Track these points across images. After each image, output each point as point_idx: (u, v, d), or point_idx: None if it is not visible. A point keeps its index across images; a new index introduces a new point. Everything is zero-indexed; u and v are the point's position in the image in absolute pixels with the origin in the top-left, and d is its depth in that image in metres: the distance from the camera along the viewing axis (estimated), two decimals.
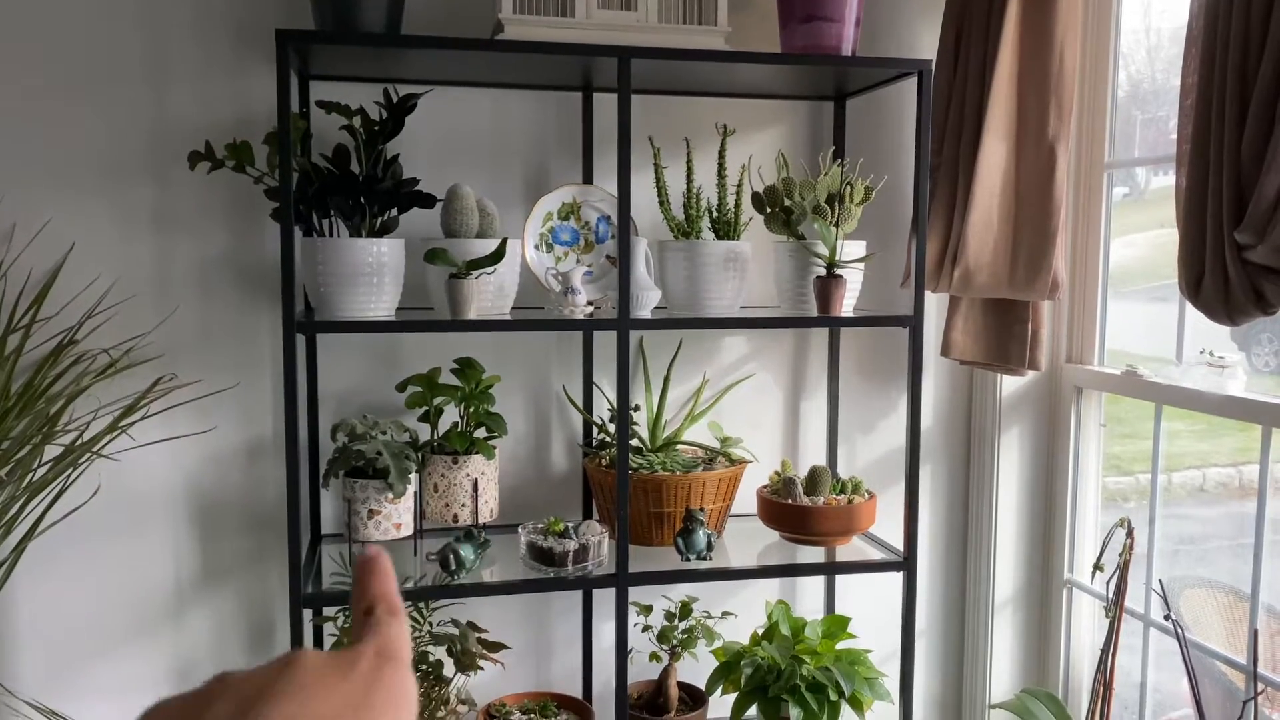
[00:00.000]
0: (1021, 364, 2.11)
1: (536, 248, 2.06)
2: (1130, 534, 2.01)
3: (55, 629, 2.00)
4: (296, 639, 1.75)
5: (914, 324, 1.95)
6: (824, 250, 1.94)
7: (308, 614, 2.00)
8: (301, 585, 1.77)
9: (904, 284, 2.12)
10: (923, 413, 2.23)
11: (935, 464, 2.40)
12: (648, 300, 1.95)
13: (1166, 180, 2.27)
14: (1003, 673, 2.38)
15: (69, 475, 1.81)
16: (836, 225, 1.95)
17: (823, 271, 1.96)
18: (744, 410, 2.27)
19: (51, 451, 1.80)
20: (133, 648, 2.04)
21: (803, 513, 2.00)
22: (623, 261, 1.83)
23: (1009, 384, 2.31)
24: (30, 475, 1.77)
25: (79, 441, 1.79)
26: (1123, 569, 2.02)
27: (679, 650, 2.09)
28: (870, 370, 2.34)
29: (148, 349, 1.96)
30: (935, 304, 2.29)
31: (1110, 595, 2.03)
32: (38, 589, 1.98)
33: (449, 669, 2.01)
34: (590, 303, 1.93)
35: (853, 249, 1.99)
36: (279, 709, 0.40)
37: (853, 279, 1.99)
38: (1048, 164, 1.99)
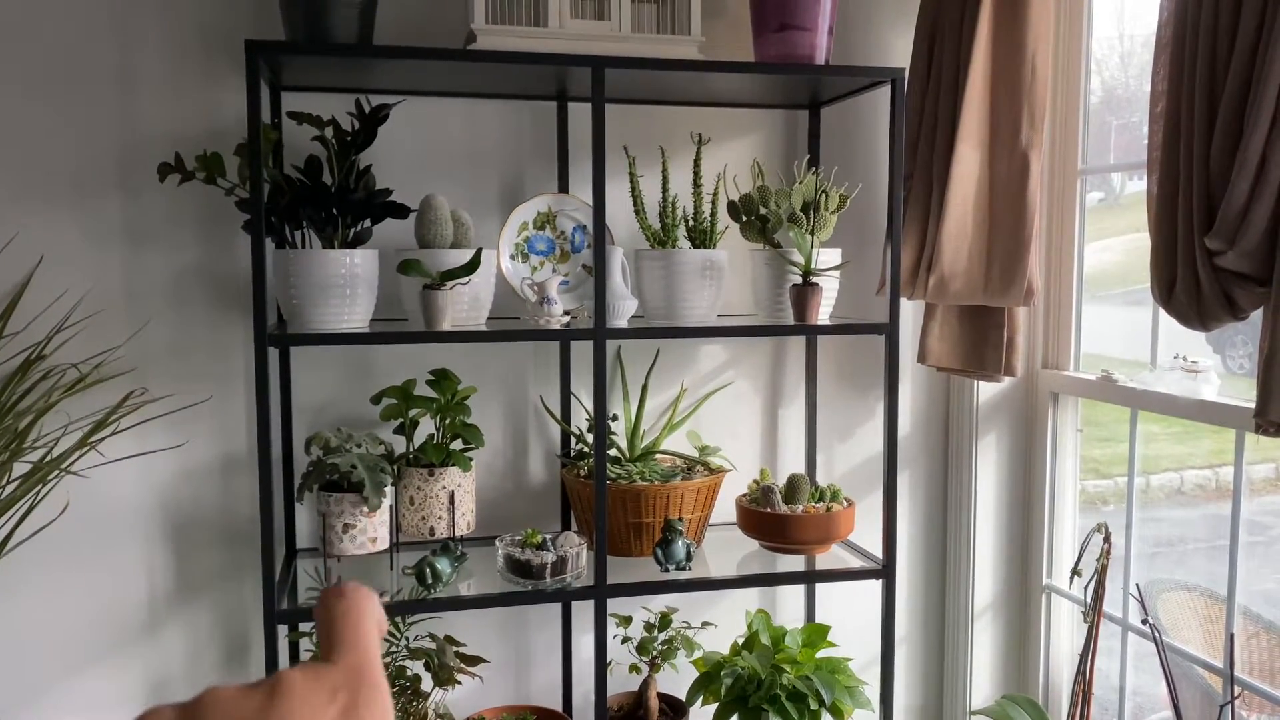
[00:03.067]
0: (998, 370, 2.11)
1: (512, 258, 2.05)
2: (1107, 539, 2.02)
3: (26, 648, 1.97)
4: (271, 655, 1.73)
5: (890, 331, 1.95)
6: (800, 258, 1.94)
7: (283, 630, 1.98)
8: (276, 601, 1.75)
9: (879, 291, 2.13)
10: (900, 420, 2.23)
11: (913, 471, 2.40)
12: (624, 310, 1.94)
13: (1141, 185, 2.29)
14: (983, 679, 2.38)
15: (38, 492, 1.78)
16: (812, 233, 1.95)
17: (799, 279, 1.95)
18: (722, 419, 2.27)
19: (20, 468, 1.77)
20: (106, 666, 2.01)
21: (781, 521, 2.00)
22: (598, 271, 1.82)
23: (985, 390, 2.31)
24: None
25: (48, 458, 1.76)
26: (1100, 574, 2.02)
27: (659, 661, 2.08)
28: (847, 378, 2.34)
29: (118, 363, 1.94)
30: (911, 311, 2.29)
31: (1088, 600, 2.04)
32: (7, 608, 1.95)
33: (427, 683, 1.99)
34: (567, 312, 1.92)
35: (828, 257, 1.99)
36: None
37: (829, 287, 1.99)
38: (1021, 171, 1.99)
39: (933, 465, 2.42)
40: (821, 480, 2.29)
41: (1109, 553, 2.02)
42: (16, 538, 1.79)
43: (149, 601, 2.03)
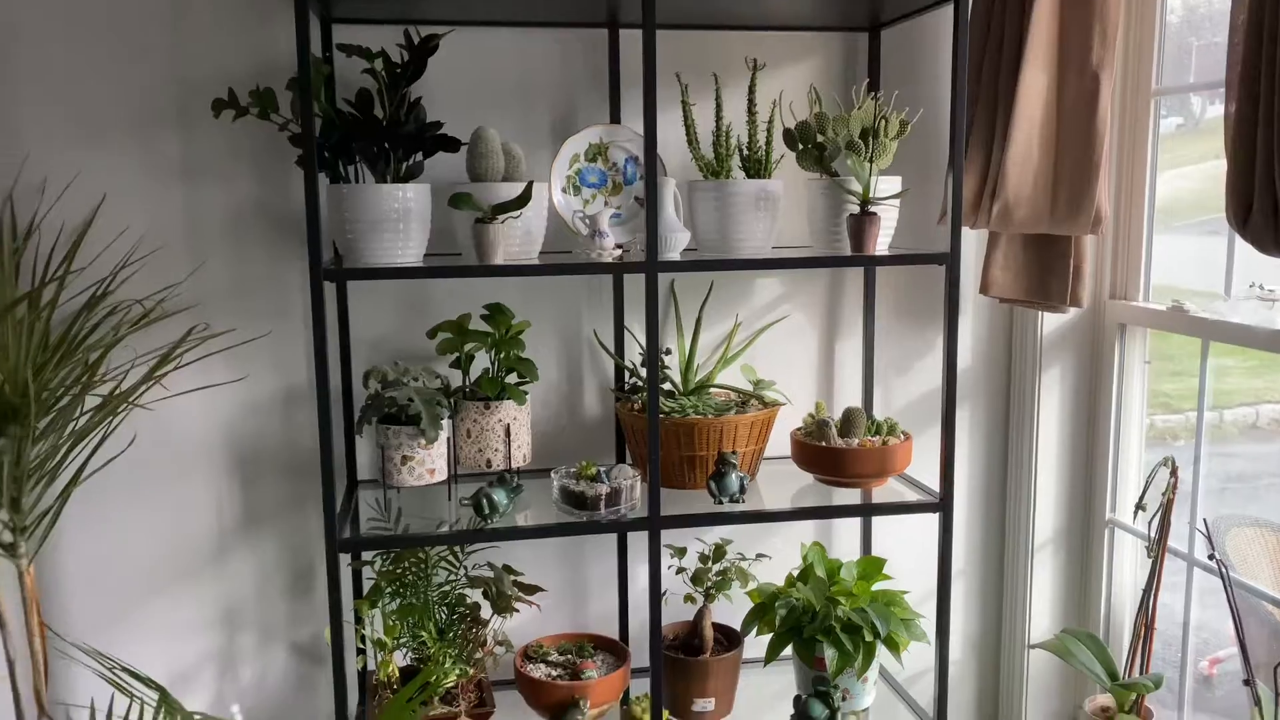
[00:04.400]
0: (1063, 301, 2.05)
1: (564, 190, 2.03)
2: (1174, 473, 1.97)
3: (102, 574, 2.06)
4: (334, 583, 1.78)
5: (951, 262, 1.90)
6: (858, 187, 1.90)
7: (345, 558, 2.04)
8: (338, 530, 1.79)
9: (941, 220, 2.07)
10: (961, 352, 2.19)
11: (974, 404, 2.36)
12: (677, 242, 1.91)
13: (1221, 110, 2.18)
14: (1042, 613, 2.36)
15: (109, 424, 1.84)
16: (871, 161, 1.90)
17: (857, 209, 1.91)
18: (778, 353, 2.24)
19: (91, 401, 1.82)
20: (178, 591, 2.09)
21: (837, 455, 1.98)
22: (651, 203, 1.80)
23: (1050, 321, 2.25)
24: (72, 424, 1.80)
25: (117, 391, 1.82)
26: (1166, 508, 1.98)
27: (713, 592, 2.09)
28: (907, 310, 2.30)
29: (180, 299, 1.97)
30: (973, 240, 2.23)
31: (1153, 535, 1.99)
32: (84, 535, 2.03)
33: (485, 611, 2.03)
34: (619, 246, 1.91)
35: (888, 185, 1.94)
36: None
37: (887, 216, 1.94)
38: (1091, 93, 1.91)
39: (994, 398, 2.37)
40: (879, 414, 2.26)
41: (1175, 487, 1.97)
42: (90, 467, 1.85)
43: (218, 530, 2.09)
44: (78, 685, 2.00)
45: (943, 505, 1.96)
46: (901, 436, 2.03)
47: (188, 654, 2.12)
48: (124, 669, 1.69)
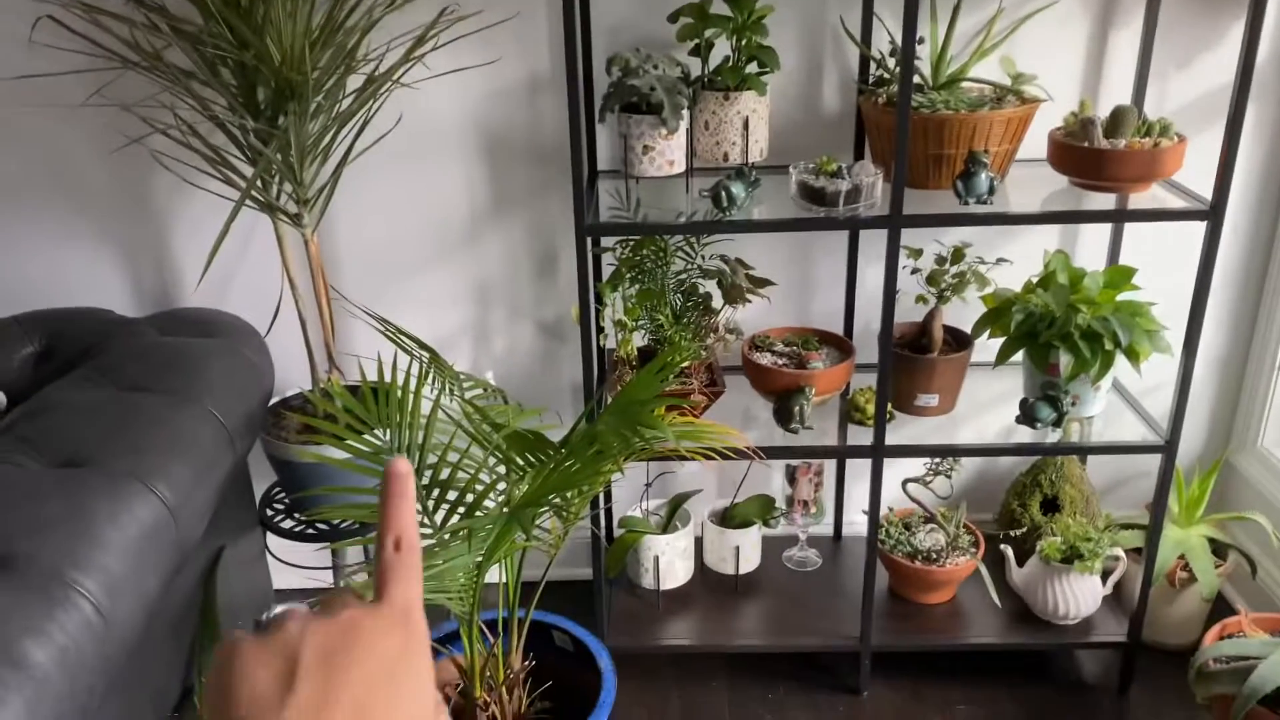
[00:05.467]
0: None
1: None
2: None
3: (371, 248, 2.25)
4: (582, 265, 1.88)
5: None
6: None
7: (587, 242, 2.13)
8: (584, 216, 1.86)
9: None
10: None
11: (1261, 105, 2.12)
12: None
13: None
14: None
15: (370, 106, 1.93)
16: None
17: None
18: (1041, 44, 2.06)
19: (354, 83, 1.91)
20: (436, 267, 2.27)
21: (1099, 156, 1.85)
22: None
23: None
24: (337, 106, 1.90)
25: (377, 71, 1.89)
26: None
27: (947, 295, 2.08)
28: None
29: None
30: None
31: None
32: (355, 212, 2.20)
33: (716, 302, 2.10)
34: None
35: None
36: (349, 675, 0.45)
37: None
38: None
39: None
40: (1150, 114, 2.08)
41: None
42: (358, 148, 1.97)
43: (470, 212, 2.22)
44: (358, 343, 2.25)
45: (1213, 212, 1.82)
46: (1175, 139, 1.86)
47: (447, 323, 2.33)
48: (399, 330, 1.88)
